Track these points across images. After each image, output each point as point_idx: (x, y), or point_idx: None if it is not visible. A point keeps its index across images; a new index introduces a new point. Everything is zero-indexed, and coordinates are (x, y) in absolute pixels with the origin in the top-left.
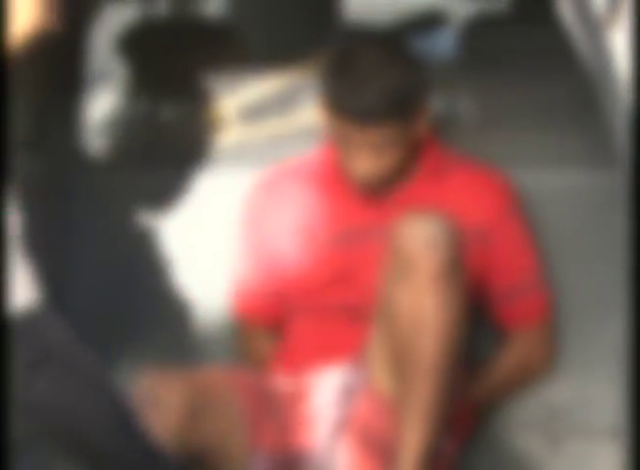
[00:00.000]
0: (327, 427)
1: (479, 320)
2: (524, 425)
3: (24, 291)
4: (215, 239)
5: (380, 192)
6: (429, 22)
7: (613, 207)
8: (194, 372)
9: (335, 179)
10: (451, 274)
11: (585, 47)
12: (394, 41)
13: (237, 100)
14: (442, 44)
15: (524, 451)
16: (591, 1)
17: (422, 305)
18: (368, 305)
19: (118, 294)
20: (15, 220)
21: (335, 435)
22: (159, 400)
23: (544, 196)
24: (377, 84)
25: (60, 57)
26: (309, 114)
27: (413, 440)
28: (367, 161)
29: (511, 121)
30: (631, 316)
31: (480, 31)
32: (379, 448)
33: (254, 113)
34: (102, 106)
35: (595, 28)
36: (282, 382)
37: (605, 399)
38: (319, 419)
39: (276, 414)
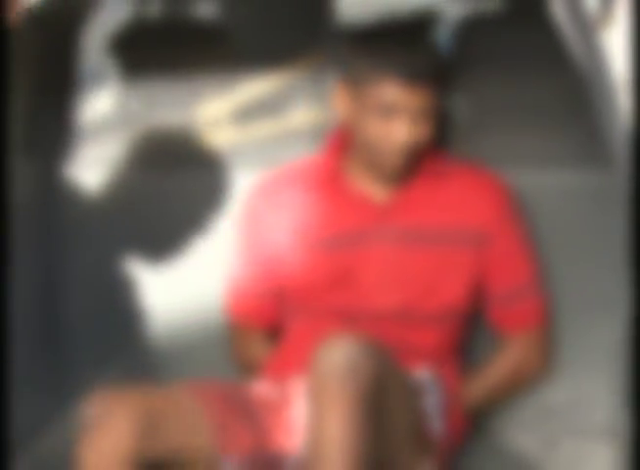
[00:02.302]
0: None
1: (476, 323)
2: (520, 426)
3: None
4: (209, 241)
5: (405, 172)
6: (422, 22)
7: (607, 207)
8: (148, 388)
9: (333, 183)
10: (364, 403)
11: (578, 47)
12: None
13: (229, 101)
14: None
15: (520, 452)
16: (584, 1)
17: (330, 435)
18: (364, 308)
19: (114, 294)
20: None
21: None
22: (111, 416)
23: (537, 196)
24: (420, 47)
25: (53, 58)
26: (302, 115)
27: None
28: (408, 126)
29: (504, 121)
30: (630, 316)
31: (472, 31)
32: None
33: (247, 114)
34: (95, 107)
35: (587, 29)
36: (264, 388)
37: (601, 399)
38: (299, 425)
39: (252, 419)
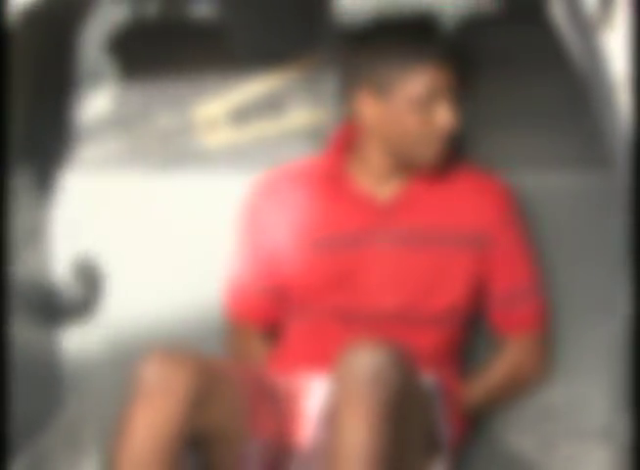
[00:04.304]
0: (315, 428)
1: (476, 325)
2: (518, 427)
3: None
4: (206, 241)
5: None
6: (419, 23)
7: (607, 208)
8: (203, 357)
9: (335, 183)
10: (390, 411)
11: (577, 48)
12: None
13: (226, 102)
14: None
15: (518, 453)
16: (582, 2)
17: (352, 441)
18: (365, 309)
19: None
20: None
21: (319, 439)
22: (168, 383)
23: (536, 197)
24: (438, 33)
25: (50, 58)
26: (299, 115)
27: None
28: (450, 109)
29: (503, 122)
30: (629, 317)
31: (471, 32)
32: None
33: (244, 114)
34: (92, 107)
35: (586, 29)
36: (279, 379)
37: (598, 401)
38: (310, 419)
39: (274, 407)
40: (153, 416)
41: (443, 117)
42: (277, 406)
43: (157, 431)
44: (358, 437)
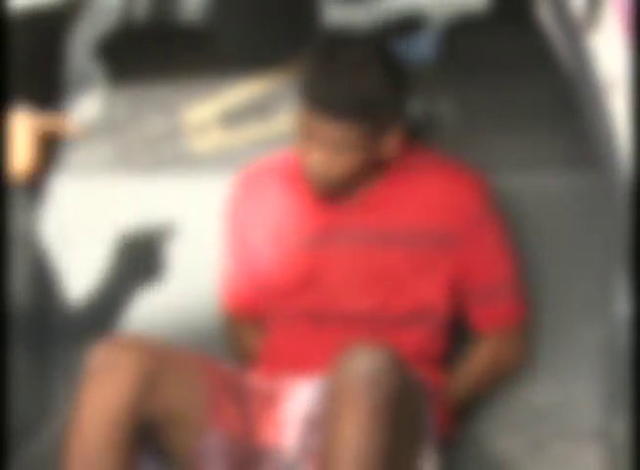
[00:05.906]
0: (297, 433)
1: (456, 321)
2: (507, 427)
3: None
4: (196, 244)
5: (336, 195)
6: (408, 25)
7: (593, 209)
8: (153, 342)
9: (300, 183)
10: (386, 414)
11: (564, 50)
12: (379, 45)
13: (215, 105)
14: (422, 47)
15: (507, 454)
16: (570, 4)
17: (346, 444)
18: (334, 310)
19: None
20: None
21: (305, 443)
22: (115, 365)
23: (523, 198)
24: (351, 81)
25: (39, 63)
26: (289, 119)
27: None
28: (322, 157)
29: (491, 124)
30: (626, 318)
31: (459, 34)
32: None
33: (233, 118)
34: (81, 111)
35: (574, 31)
36: (257, 380)
37: (587, 401)
38: (291, 423)
39: (241, 404)
40: (101, 398)
41: (310, 161)
42: (245, 404)
43: (106, 412)
44: (355, 440)
